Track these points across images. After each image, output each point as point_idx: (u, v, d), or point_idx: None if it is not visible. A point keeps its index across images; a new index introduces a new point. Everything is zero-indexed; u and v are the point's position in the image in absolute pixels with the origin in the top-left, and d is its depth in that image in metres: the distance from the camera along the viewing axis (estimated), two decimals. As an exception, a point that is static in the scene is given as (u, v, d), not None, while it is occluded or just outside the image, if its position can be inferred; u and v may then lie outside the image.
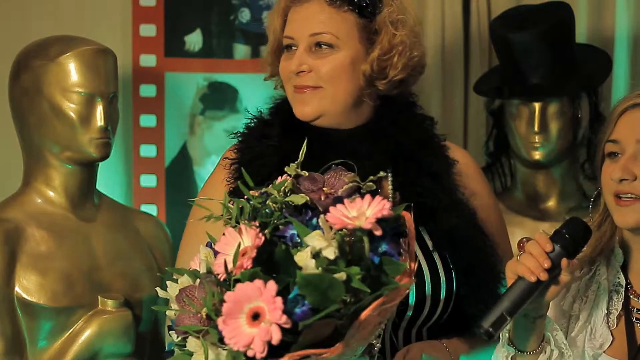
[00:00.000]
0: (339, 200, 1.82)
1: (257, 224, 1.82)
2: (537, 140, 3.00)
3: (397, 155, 2.27)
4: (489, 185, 2.42)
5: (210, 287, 1.80)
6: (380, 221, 1.79)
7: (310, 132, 2.24)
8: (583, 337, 2.11)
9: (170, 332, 1.88)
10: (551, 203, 3.09)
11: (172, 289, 1.88)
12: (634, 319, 2.08)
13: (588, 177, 3.11)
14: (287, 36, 2.30)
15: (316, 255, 1.76)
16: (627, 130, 2.06)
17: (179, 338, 1.85)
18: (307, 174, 1.89)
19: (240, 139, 2.34)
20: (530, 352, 2.03)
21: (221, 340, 1.75)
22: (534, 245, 1.96)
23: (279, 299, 1.70)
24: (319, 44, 2.27)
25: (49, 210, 2.71)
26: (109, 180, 3.22)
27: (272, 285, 1.71)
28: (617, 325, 2.09)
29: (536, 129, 2.99)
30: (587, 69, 3.07)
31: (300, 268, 1.76)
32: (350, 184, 1.88)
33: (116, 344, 2.66)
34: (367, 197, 1.80)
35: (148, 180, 3.42)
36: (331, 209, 1.79)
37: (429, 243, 2.26)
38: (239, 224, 1.85)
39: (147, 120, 3.43)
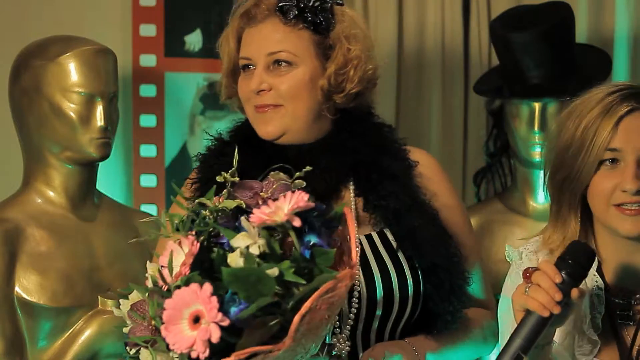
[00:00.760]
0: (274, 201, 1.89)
1: (194, 233, 1.88)
2: (537, 140, 3.00)
3: (358, 163, 2.32)
4: (451, 186, 2.45)
5: (152, 298, 1.86)
6: (310, 215, 1.85)
7: (269, 149, 2.31)
8: (572, 345, 2.08)
9: (126, 347, 1.93)
10: (551, 203, 3.09)
11: (124, 306, 1.95)
12: (619, 320, 2.07)
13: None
14: (244, 57, 2.33)
15: (246, 254, 1.82)
16: (629, 137, 2.02)
17: (133, 351, 1.91)
18: (238, 180, 1.96)
19: (200, 159, 2.38)
20: None
21: (168, 347, 1.79)
22: (542, 278, 1.89)
23: (215, 299, 1.75)
24: (277, 62, 2.30)
25: (49, 210, 2.71)
26: (109, 180, 3.22)
27: (207, 287, 1.76)
28: (603, 329, 2.08)
29: (536, 128, 2.99)
30: (587, 69, 3.07)
31: None
32: (280, 183, 1.94)
33: (116, 344, 2.66)
34: (288, 193, 1.86)
35: (148, 180, 3.42)
36: (254, 209, 1.86)
37: (394, 244, 2.30)
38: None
39: (147, 120, 3.43)
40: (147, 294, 1.91)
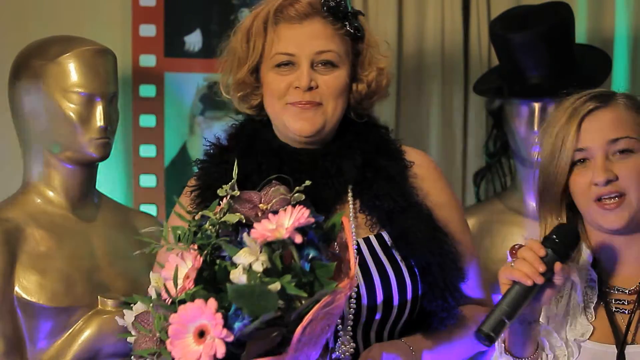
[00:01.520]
0: (274, 214, 1.90)
1: (196, 247, 1.90)
2: (536, 140, 3.00)
3: (360, 166, 2.34)
4: (447, 184, 2.47)
5: (157, 311, 1.89)
6: (310, 229, 1.88)
7: (282, 152, 2.32)
8: (564, 329, 2.16)
9: (132, 358, 1.95)
10: (551, 203, 3.09)
11: (129, 317, 1.97)
12: (614, 309, 2.14)
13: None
14: (285, 53, 2.32)
15: (248, 270, 1.84)
16: (593, 135, 2.12)
17: None
18: (238, 193, 1.97)
19: (199, 166, 2.38)
20: (527, 358, 2.10)
21: None
22: (527, 251, 2.03)
23: (219, 315, 1.77)
24: (323, 62, 2.31)
25: (49, 210, 2.71)
26: (109, 180, 3.22)
27: (212, 303, 1.78)
28: (595, 317, 2.15)
29: (536, 128, 2.99)
30: (586, 69, 3.07)
31: None
32: (280, 197, 1.96)
33: (116, 344, 2.66)
34: (289, 208, 1.88)
35: (148, 181, 3.42)
36: (255, 224, 1.88)
37: (390, 244, 2.32)
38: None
39: (147, 121, 3.43)
40: (151, 306, 1.92)
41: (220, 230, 1.92)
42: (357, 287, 2.24)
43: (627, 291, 2.14)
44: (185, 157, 3.40)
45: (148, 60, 3.42)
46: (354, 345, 2.26)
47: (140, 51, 3.42)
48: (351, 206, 2.33)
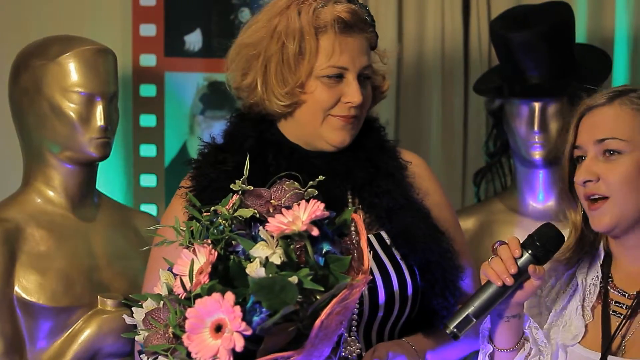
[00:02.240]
0: (287, 209, 1.91)
1: (209, 242, 1.90)
2: (537, 140, 2.99)
3: (362, 166, 2.36)
4: (440, 186, 2.49)
5: (172, 306, 1.87)
6: (323, 224, 1.89)
7: (296, 156, 2.32)
8: (557, 329, 2.16)
9: (141, 355, 1.94)
10: (551, 203, 3.09)
11: (138, 314, 1.95)
12: (611, 311, 2.12)
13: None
14: (340, 66, 2.30)
15: (265, 263, 1.84)
16: (586, 134, 2.12)
17: (150, 359, 1.91)
18: (252, 188, 1.97)
19: (194, 166, 2.37)
20: (508, 350, 2.11)
21: (189, 355, 1.81)
22: (504, 250, 2.03)
23: (238, 308, 1.77)
24: (366, 76, 2.34)
25: (49, 210, 2.71)
26: (109, 180, 3.22)
27: (229, 296, 1.78)
28: (592, 318, 2.13)
29: (536, 128, 2.98)
30: (587, 69, 3.07)
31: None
32: (293, 192, 1.96)
33: (115, 344, 2.66)
34: (302, 202, 1.89)
35: (148, 180, 3.42)
36: (270, 218, 1.88)
37: (390, 245, 2.33)
38: (192, 245, 1.92)
39: (147, 120, 3.43)
40: (162, 302, 1.92)
41: (233, 225, 1.92)
42: None
43: (626, 295, 2.12)
44: (186, 156, 3.39)
45: (148, 60, 3.42)
46: (360, 345, 2.26)
47: (140, 51, 3.42)
48: (350, 204, 2.33)
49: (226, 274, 1.86)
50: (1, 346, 2.59)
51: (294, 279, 1.80)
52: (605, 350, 2.06)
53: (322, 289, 1.82)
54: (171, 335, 1.86)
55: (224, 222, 1.91)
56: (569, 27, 3.05)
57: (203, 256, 1.87)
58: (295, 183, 1.98)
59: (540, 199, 3.09)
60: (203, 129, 3.40)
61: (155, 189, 3.42)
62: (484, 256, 3.05)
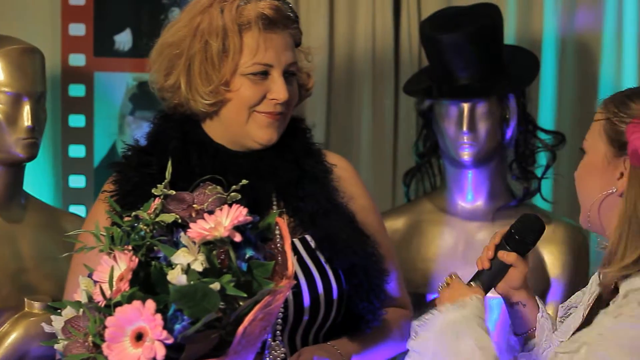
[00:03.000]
0: (210, 214, 1.89)
1: (130, 248, 1.87)
2: (465, 141, 3.02)
3: (288, 168, 2.34)
4: (366, 189, 2.48)
5: (92, 314, 1.85)
6: (246, 228, 1.88)
7: (223, 156, 2.29)
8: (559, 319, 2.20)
9: None
10: (480, 203, 3.12)
11: (57, 323, 1.92)
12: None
13: (516, 177, 3.15)
14: (264, 63, 2.27)
15: (187, 270, 1.82)
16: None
17: None
18: (174, 193, 1.95)
19: (117, 170, 2.33)
20: (523, 334, 2.18)
21: None
22: (492, 237, 2.16)
23: (159, 316, 1.75)
24: (291, 73, 2.31)
25: (-25, 211, 2.68)
26: (37, 181, 3.19)
27: (150, 304, 1.76)
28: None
29: (465, 129, 3.01)
30: (515, 70, 3.10)
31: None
32: (216, 196, 1.94)
33: (43, 347, 2.62)
34: (225, 207, 1.88)
35: (77, 181, 3.40)
36: (191, 224, 1.86)
37: (314, 246, 2.32)
38: (113, 251, 1.90)
39: (76, 120, 3.41)
40: (82, 310, 1.89)
41: (154, 231, 1.90)
42: None
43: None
44: (115, 157, 3.36)
45: (77, 60, 3.40)
46: (284, 350, 2.25)
47: (69, 50, 3.40)
48: (275, 208, 2.33)
49: (147, 281, 1.84)
50: None
51: (216, 286, 1.79)
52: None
53: (245, 295, 1.81)
54: (91, 345, 1.83)
55: (145, 227, 1.89)
56: (498, 29, 3.08)
57: (124, 263, 1.85)
58: (218, 187, 1.96)
59: (469, 198, 3.12)
60: (133, 129, 3.39)
61: (84, 190, 3.40)
62: (413, 255, 3.10)
